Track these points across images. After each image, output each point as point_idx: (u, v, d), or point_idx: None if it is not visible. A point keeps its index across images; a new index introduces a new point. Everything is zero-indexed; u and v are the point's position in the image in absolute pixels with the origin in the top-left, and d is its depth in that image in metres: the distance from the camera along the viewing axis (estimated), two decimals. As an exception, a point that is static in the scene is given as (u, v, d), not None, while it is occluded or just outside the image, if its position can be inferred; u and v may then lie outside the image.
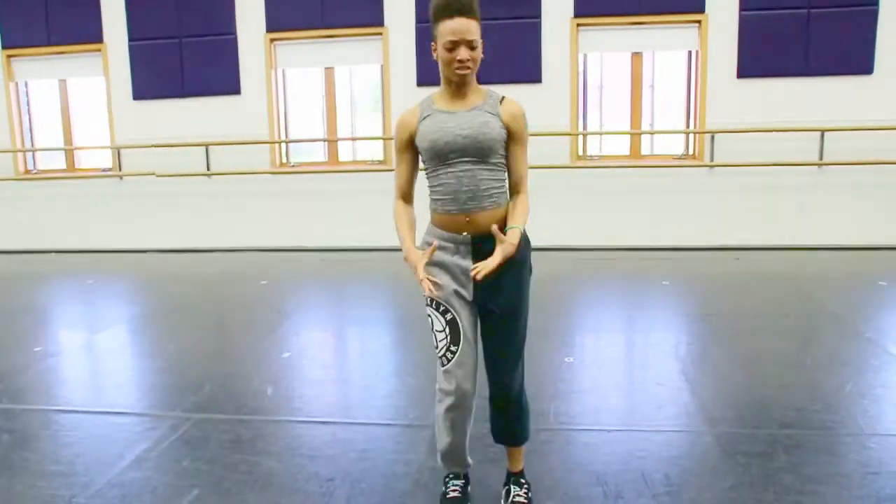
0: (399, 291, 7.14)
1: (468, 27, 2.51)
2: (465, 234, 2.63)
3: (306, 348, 5.58)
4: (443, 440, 2.82)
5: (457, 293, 2.67)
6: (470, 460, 2.95)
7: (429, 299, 2.68)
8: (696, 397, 4.07)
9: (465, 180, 2.59)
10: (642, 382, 4.59)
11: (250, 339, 5.68)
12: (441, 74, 2.63)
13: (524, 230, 2.67)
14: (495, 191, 2.63)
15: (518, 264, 2.65)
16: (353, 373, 5.09)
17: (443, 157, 2.60)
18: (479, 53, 2.56)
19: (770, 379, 4.38)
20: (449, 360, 2.67)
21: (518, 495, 2.87)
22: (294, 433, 3.76)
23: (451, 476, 2.94)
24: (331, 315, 6.80)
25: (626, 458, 3.29)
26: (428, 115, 2.65)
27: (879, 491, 2.92)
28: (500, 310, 2.67)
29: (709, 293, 7.06)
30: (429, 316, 2.72)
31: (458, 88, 2.63)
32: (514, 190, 2.70)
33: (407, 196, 2.79)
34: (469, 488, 2.95)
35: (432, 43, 2.61)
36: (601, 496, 2.94)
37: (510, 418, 2.84)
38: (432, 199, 2.70)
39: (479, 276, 2.45)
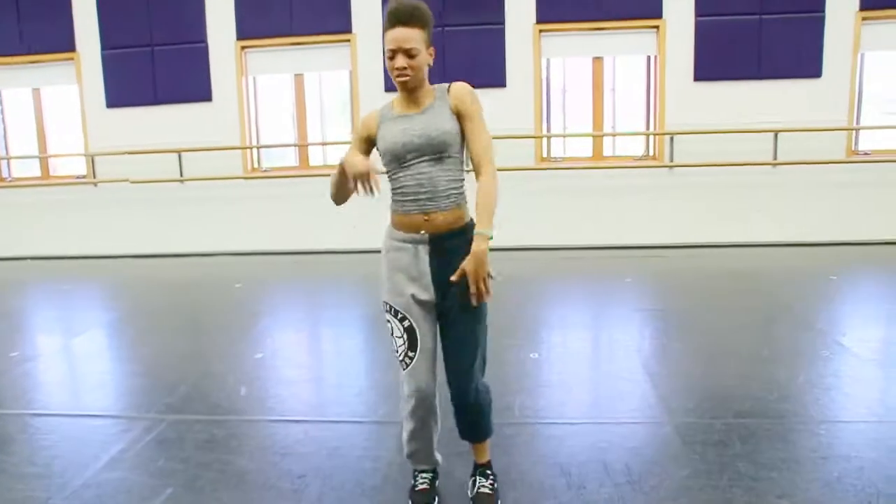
0: (369, 293, 7.13)
1: (407, 35, 2.53)
2: (422, 232, 2.65)
3: (279, 349, 5.56)
4: (409, 441, 2.85)
5: (415, 298, 2.69)
6: (438, 458, 2.97)
7: (388, 306, 2.72)
8: (657, 390, 4.12)
9: (424, 181, 2.61)
10: (605, 376, 4.63)
11: (224, 340, 5.66)
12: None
13: (472, 223, 2.68)
14: (453, 191, 2.65)
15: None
16: (324, 372, 5.08)
17: (401, 158, 2.62)
18: (420, 61, 2.58)
19: (727, 371, 4.44)
20: (408, 365, 2.70)
21: (483, 486, 2.88)
22: (267, 432, 3.76)
23: (419, 471, 2.95)
24: (303, 316, 6.78)
25: (589, 450, 3.32)
26: (387, 119, 2.69)
27: (828, 475, 2.98)
28: (459, 303, 2.65)
29: (669, 289, 7.13)
30: (388, 322, 2.75)
31: (410, 93, 2.66)
32: (477, 170, 2.65)
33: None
34: (437, 482, 2.97)
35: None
36: (564, 487, 2.97)
37: (470, 417, 2.84)
38: (393, 201, 2.72)
39: (453, 278, 2.54)
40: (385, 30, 2.57)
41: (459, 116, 2.65)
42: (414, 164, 2.61)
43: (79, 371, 5.18)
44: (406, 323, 2.69)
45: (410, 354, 2.69)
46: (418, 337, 2.68)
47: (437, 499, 2.91)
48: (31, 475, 3.25)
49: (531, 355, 4.82)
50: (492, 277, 2.58)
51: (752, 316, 5.87)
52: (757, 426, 3.51)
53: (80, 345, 5.73)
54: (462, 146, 2.69)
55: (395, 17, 2.53)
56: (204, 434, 3.65)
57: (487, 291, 2.56)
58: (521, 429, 3.56)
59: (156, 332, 6.01)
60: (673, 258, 8.47)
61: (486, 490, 2.87)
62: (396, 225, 2.72)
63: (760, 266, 7.86)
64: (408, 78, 2.58)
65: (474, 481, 2.93)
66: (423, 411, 2.75)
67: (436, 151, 2.60)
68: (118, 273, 8.97)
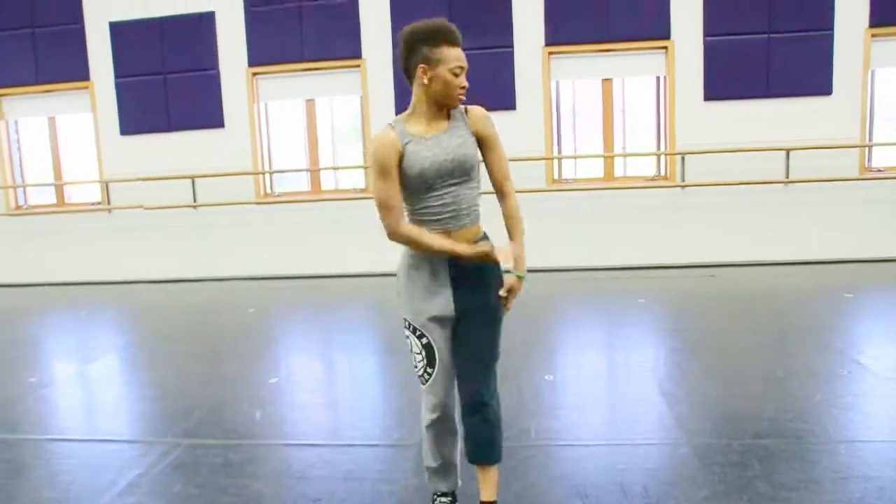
0: (383, 316, 7.14)
1: (462, 55, 2.60)
2: None
3: (293, 373, 5.57)
4: (430, 458, 2.84)
5: (433, 317, 2.70)
6: (459, 481, 2.96)
7: (406, 322, 2.74)
8: (673, 411, 4.09)
9: (449, 200, 2.64)
10: (621, 398, 4.61)
11: (239, 365, 5.66)
12: (422, 97, 2.64)
13: (485, 235, 2.79)
14: (473, 208, 2.71)
15: (491, 275, 2.73)
16: (339, 396, 5.08)
17: (430, 183, 2.63)
18: None
19: (744, 391, 4.41)
20: (427, 379, 2.73)
21: None
22: (282, 456, 3.75)
23: (438, 494, 2.94)
24: (317, 340, 6.78)
25: (606, 472, 3.30)
26: (409, 142, 2.64)
27: (849, 495, 2.95)
28: (475, 315, 2.71)
29: (683, 309, 7.10)
30: (407, 338, 2.77)
31: (438, 112, 2.67)
32: (501, 192, 2.76)
33: (403, 216, 2.72)
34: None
35: (423, 66, 2.58)
36: (582, 509, 2.96)
37: (484, 430, 2.72)
38: (414, 221, 2.71)
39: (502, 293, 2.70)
40: (440, 44, 2.56)
41: (480, 140, 2.70)
42: (442, 186, 2.63)
43: (95, 396, 5.20)
44: (424, 340, 2.71)
45: (429, 370, 2.72)
46: (436, 353, 2.71)
47: None
48: (48, 500, 3.26)
49: (546, 377, 4.80)
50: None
51: (767, 335, 5.84)
52: (775, 446, 3.48)
53: (96, 370, 5.75)
54: (479, 167, 2.71)
55: (457, 37, 2.59)
56: (220, 459, 3.65)
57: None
58: (537, 451, 3.54)
59: (170, 357, 6.03)
60: (686, 278, 8.43)
61: None
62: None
63: (775, 285, 7.82)
64: (463, 96, 2.64)
65: None
66: (444, 424, 2.76)
67: (463, 174, 2.64)
68: (133, 298, 9.00)
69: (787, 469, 3.21)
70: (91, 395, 5.26)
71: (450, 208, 2.65)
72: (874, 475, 3.12)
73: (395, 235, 2.67)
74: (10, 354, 6.32)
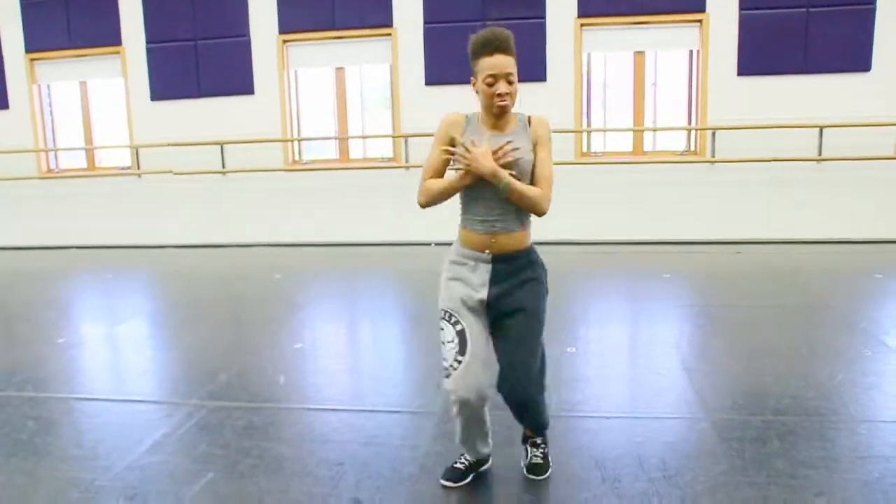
0: (408, 284, 7.19)
1: (506, 62, 2.62)
2: (487, 252, 2.74)
3: (318, 339, 5.63)
4: (458, 432, 2.93)
5: (468, 306, 2.75)
6: (485, 452, 3.03)
7: (442, 311, 2.78)
8: (694, 386, 4.10)
9: (496, 203, 2.69)
10: (642, 372, 4.62)
11: (264, 330, 5.73)
12: (481, 104, 2.71)
13: (536, 252, 2.86)
14: (523, 216, 2.75)
15: (533, 280, 2.80)
16: (362, 363, 5.13)
17: (480, 195, 2.70)
18: (516, 87, 2.66)
19: (766, 368, 4.40)
20: (455, 370, 2.72)
21: (536, 456, 3.03)
22: (305, 420, 3.81)
23: (462, 453, 3.04)
24: (342, 308, 6.84)
25: (625, 444, 3.32)
26: (475, 133, 2.72)
27: (867, 475, 2.95)
28: (513, 307, 2.74)
29: (708, 286, 7.08)
30: (441, 328, 2.80)
31: (497, 118, 2.72)
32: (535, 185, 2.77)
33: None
34: (475, 470, 3.03)
35: (472, 78, 2.69)
36: (599, 480, 2.98)
37: (525, 416, 2.93)
38: (464, 218, 2.80)
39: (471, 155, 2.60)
40: (478, 56, 2.63)
41: (534, 145, 2.75)
42: (490, 185, 2.65)
43: (123, 358, 5.30)
44: (458, 326, 2.74)
45: (459, 359, 2.71)
46: (469, 340, 2.72)
47: (468, 479, 2.99)
48: (76, 457, 3.33)
49: (568, 349, 4.82)
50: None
51: (793, 314, 5.82)
52: (795, 424, 3.48)
53: (124, 332, 5.85)
54: (530, 175, 2.75)
55: (494, 45, 2.61)
56: (243, 421, 3.71)
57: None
58: (557, 422, 3.56)
59: (197, 321, 6.11)
60: (713, 254, 8.39)
61: (538, 460, 3.02)
62: (464, 241, 2.80)
63: (803, 263, 7.76)
64: (507, 103, 2.65)
65: (526, 450, 3.07)
66: (466, 414, 2.80)
67: (516, 177, 2.65)
68: (161, 263, 9.11)
69: (806, 446, 3.21)
70: (119, 356, 5.35)
71: (497, 210, 2.70)
72: (893, 455, 3.11)
73: (420, 203, 2.79)
74: (41, 315, 6.44)
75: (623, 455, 3.19)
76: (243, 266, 8.65)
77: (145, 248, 9.92)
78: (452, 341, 2.74)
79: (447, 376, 2.75)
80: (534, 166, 2.75)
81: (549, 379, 4.18)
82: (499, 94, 2.62)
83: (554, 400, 3.86)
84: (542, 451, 3.05)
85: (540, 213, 2.73)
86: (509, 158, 2.60)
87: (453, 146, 2.72)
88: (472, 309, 2.75)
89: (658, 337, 5.39)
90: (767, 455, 3.14)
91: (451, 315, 2.76)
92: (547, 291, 2.88)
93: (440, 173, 2.77)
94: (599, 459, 3.16)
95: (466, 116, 2.78)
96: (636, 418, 3.68)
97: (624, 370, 4.68)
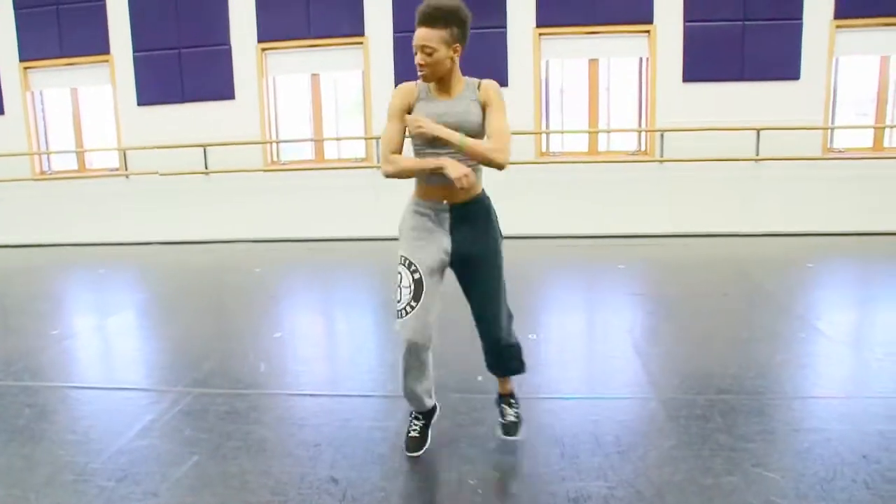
0: (380, 277, 7.17)
1: (426, 35, 2.65)
2: (444, 202, 2.80)
3: (296, 329, 5.61)
4: (401, 383, 2.95)
5: (428, 264, 2.80)
6: (429, 403, 3.07)
7: (402, 258, 2.82)
8: (645, 368, 4.14)
9: (449, 158, 2.70)
10: (598, 356, 4.67)
11: (245, 321, 5.70)
12: None
13: (488, 198, 2.93)
14: (471, 167, 2.73)
15: (489, 228, 2.89)
16: (338, 350, 5.13)
17: (431, 139, 2.70)
18: (437, 57, 2.67)
19: (710, 351, 4.47)
20: (407, 314, 2.78)
21: (509, 415, 3.09)
22: (285, 405, 3.80)
23: (412, 415, 3.09)
24: (318, 299, 6.82)
25: (582, 423, 3.35)
26: (423, 99, 2.78)
27: (799, 445, 3.01)
28: (475, 255, 2.84)
29: (659, 276, 7.14)
30: (399, 273, 2.83)
31: (439, 83, 2.77)
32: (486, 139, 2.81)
33: (396, 152, 2.83)
34: (429, 429, 3.10)
35: None
36: (559, 456, 3.00)
37: (503, 359, 3.04)
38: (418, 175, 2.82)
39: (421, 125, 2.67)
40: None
41: (484, 107, 2.77)
42: (441, 143, 2.70)
43: (113, 348, 5.24)
44: (416, 276, 2.79)
45: (412, 304, 2.78)
46: (424, 290, 2.77)
47: (427, 442, 3.07)
48: (71, 442, 3.30)
49: (530, 336, 4.83)
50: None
51: (735, 301, 5.89)
52: (736, 401, 3.53)
53: (114, 324, 5.78)
54: (483, 133, 2.78)
55: (420, 19, 2.65)
56: (226, 406, 3.69)
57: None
58: (520, 403, 3.58)
59: (182, 313, 6.06)
60: (663, 247, 8.46)
61: (512, 418, 3.09)
62: (421, 194, 2.84)
63: (743, 254, 7.86)
64: (425, 73, 2.71)
65: (502, 410, 3.12)
66: (413, 359, 2.84)
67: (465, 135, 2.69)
68: (148, 258, 9.01)
69: (746, 422, 3.26)
70: (109, 346, 5.29)
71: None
72: (823, 428, 3.17)
73: (386, 172, 2.82)
74: (35, 308, 6.34)
75: (580, 433, 3.22)
76: (225, 261, 8.58)
77: (133, 245, 9.80)
78: (409, 287, 2.79)
79: (399, 317, 2.80)
80: (486, 124, 2.78)
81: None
82: (417, 63, 2.69)
83: (517, 383, 3.88)
84: (515, 410, 3.11)
85: (496, 165, 2.71)
86: (421, 131, 2.66)
87: (409, 113, 2.78)
88: (430, 267, 2.80)
89: (612, 323, 5.42)
90: (711, 430, 3.19)
91: (410, 263, 2.80)
92: (501, 235, 2.95)
93: (399, 144, 2.81)
94: (559, 437, 3.18)
95: (417, 84, 2.81)
96: (592, 399, 3.71)
97: (581, 355, 4.72)
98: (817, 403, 3.55)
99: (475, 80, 2.82)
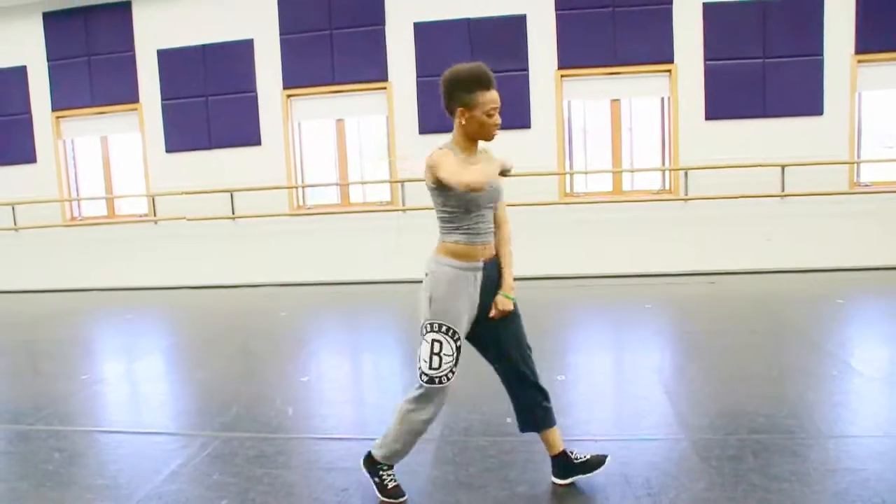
0: (406, 320, 7.16)
1: (497, 97, 2.80)
2: (480, 260, 2.87)
3: (324, 372, 5.61)
4: (404, 443, 3.00)
5: (466, 325, 2.89)
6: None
7: (442, 326, 2.83)
8: (675, 408, 4.09)
9: (487, 218, 2.87)
10: (627, 396, 4.61)
11: (272, 364, 5.71)
12: (462, 133, 2.83)
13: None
14: (493, 226, 2.93)
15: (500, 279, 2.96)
16: (365, 394, 5.11)
17: (480, 204, 2.82)
18: None
19: (741, 389, 4.40)
20: (448, 380, 2.85)
21: (578, 456, 3.10)
22: (312, 448, 3.79)
23: (385, 468, 3.08)
24: (345, 342, 6.82)
25: (612, 464, 3.29)
26: (463, 161, 2.81)
27: (835, 486, 2.95)
28: (506, 314, 2.93)
29: (686, 314, 7.07)
30: (436, 341, 2.83)
31: (472, 145, 2.88)
32: (501, 219, 2.99)
33: None
34: None
35: (461, 108, 2.77)
36: (589, 499, 2.96)
37: (544, 398, 3.04)
38: (459, 234, 2.84)
39: (495, 315, 2.88)
40: (475, 90, 2.75)
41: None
42: (486, 206, 2.85)
43: (141, 392, 5.26)
44: (459, 343, 2.85)
45: (454, 370, 2.85)
46: (459, 358, 2.87)
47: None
48: (99, 486, 3.31)
49: (558, 377, 4.81)
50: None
51: (764, 338, 5.82)
52: (769, 441, 3.47)
53: (142, 368, 5.82)
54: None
55: (492, 81, 2.78)
56: (254, 450, 3.68)
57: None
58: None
59: (210, 357, 6.08)
60: (690, 285, 8.40)
61: (581, 458, 3.09)
62: (461, 255, 2.85)
63: (771, 291, 7.77)
64: (496, 132, 2.85)
65: (567, 457, 3.10)
66: (433, 423, 2.97)
67: (496, 196, 2.89)
68: (176, 303, 9.08)
69: (779, 462, 3.20)
70: (137, 391, 5.32)
71: (488, 225, 2.87)
72: (860, 468, 3.10)
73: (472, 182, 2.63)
74: (65, 353, 6.41)
75: (610, 475, 3.17)
76: (252, 305, 8.63)
77: (161, 290, 9.90)
78: (452, 355, 2.83)
79: (440, 384, 2.85)
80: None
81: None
82: (496, 124, 2.80)
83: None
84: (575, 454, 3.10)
85: None
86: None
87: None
88: (465, 331, 2.89)
89: (640, 363, 5.37)
90: (744, 471, 3.13)
91: (454, 333, 2.84)
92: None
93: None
94: (589, 480, 3.13)
95: (452, 148, 2.85)
96: (622, 440, 3.66)
97: (610, 395, 4.67)
98: (853, 442, 3.47)
99: (484, 145, 2.95)
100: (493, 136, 2.83)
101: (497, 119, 2.79)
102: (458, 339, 2.84)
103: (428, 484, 3.16)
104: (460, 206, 2.80)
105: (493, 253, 2.93)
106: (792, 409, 3.92)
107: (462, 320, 2.85)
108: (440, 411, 2.93)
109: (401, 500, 2.99)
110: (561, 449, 3.08)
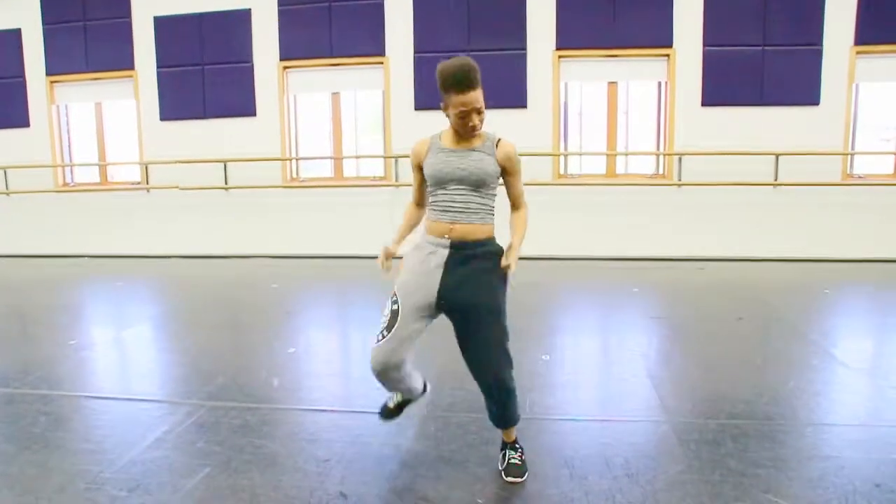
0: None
1: (475, 98, 2.73)
2: (446, 237, 2.86)
3: (310, 345, 5.63)
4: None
5: (413, 300, 2.89)
6: (410, 396, 3.23)
7: (393, 289, 2.97)
8: (657, 391, 4.12)
9: (458, 199, 2.83)
10: (611, 378, 4.64)
11: (260, 336, 5.73)
12: (451, 124, 2.85)
13: (500, 248, 2.92)
14: (484, 211, 2.88)
15: (487, 269, 2.87)
16: (351, 366, 5.13)
17: (443, 183, 2.84)
18: (483, 113, 2.79)
19: (723, 375, 4.44)
20: (377, 342, 2.93)
21: (513, 458, 3.04)
22: (296, 420, 3.82)
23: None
24: (333, 315, 6.85)
25: (592, 445, 3.34)
26: (436, 150, 2.89)
27: (811, 472, 2.98)
28: (471, 300, 2.84)
29: (673, 299, 7.11)
30: (390, 301, 2.96)
31: (463, 135, 2.85)
32: (514, 206, 3.02)
33: (417, 201, 3.09)
34: (408, 403, 3.31)
35: (442, 103, 2.79)
36: (568, 477, 2.99)
37: (497, 408, 2.99)
38: (429, 210, 2.94)
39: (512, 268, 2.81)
40: (448, 91, 2.73)
41: (504, 170, 2.89)
42: (453, 188, 2.84)
43: (129, 360, 5.28)
44: (395, 307, 2.90)
45: (385, 333, 2.91)
46: (398, 323, 2.88)
47: (399, 415, 3.31)
48: (85, 451, 3.33)
49: (543, 357, 4.84)
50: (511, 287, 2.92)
51: (749, 326, 5.85)
52: (748, 427, 3.51)
53: (131, 336, 5.83)
54: (496, 183, 2.90)
55: (464, 84, 2.70)
56: (239, 420, 3.71)
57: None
58: (530, 423, 3.57)
59: (198, 327, 6.09)
60: (678, 270, 8.44)
61: (516, 461, 3.03)
62: (428, 229, 2.93)
63: (759, 279, 7.82)
64: (478, 132, 2.83)
65: (504, 454, 3.08)
66: (384, 381, 3.01)
67: (475, 185, 2.83)
68: (166, 272, 9.09)
69: (757, 448, 3.24)
70: (125, 358, 5.33)
71: (458, 204, 2.83)
72: (835, 455, 3.15)
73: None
74: (54, 319, 6.42)
75: (590, 455, 3.21)
76: (242, 276, 8.63)
77: (152, 258, 9.90)
78: (386, 316, 2.92)
79: (376, 342, 2.94)
80: (507, 187, 2.96)
81: (525, 384, 4.21)
82: (472, 126, 2.77)
83: (528, 404, 3.87)
84: (519, 453, 3.06)
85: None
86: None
87: (421, 168, 2.94)
88: (415, 305, 2.88)
89: (625, 346, 5.40)
90: (722, 455, 3.17)
91: (394, 295, 2.93)
92: (504, 288, 2.92)
93: (419, 192, 3.06)
94: (569, 459, 3.17)
95: (431, 139, 2.94)
96: (603, 421, 3.70)
97: (593, 377, 4.70)
98: (830, 431, 3.51)
99: (494, 136, 2.90)
100: (470, 135, 2.82)
101: (470, 121, 2.75)
102: (396, 302, 2.90)
103: (409, 458, 3.19)
104: (430, 185, 2.92)
105: (473, 236, 2.84)
106: (772, 396, 3.96)
107: (409, 287, 2.90)
108: (376, 371, 2.95)
109: (382, 418, 3.33)
110: (506, 440, 3.13)
